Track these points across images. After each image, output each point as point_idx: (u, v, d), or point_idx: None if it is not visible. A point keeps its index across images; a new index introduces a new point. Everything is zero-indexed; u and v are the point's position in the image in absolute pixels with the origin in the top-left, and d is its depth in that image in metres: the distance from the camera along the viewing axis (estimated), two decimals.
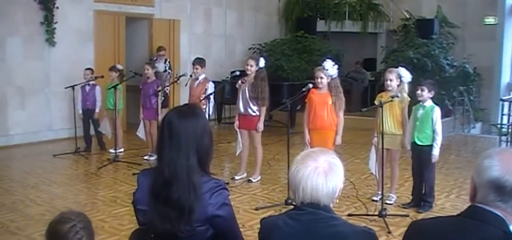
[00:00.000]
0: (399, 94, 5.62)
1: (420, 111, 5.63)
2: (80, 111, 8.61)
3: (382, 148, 5.53)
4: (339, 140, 6.01)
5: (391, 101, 5.52)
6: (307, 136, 6.07)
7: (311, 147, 5.53)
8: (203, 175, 2.09)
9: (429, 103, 5.62)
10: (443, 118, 11.56)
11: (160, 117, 7.38)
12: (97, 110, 8.58)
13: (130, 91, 10.46)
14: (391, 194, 6.05)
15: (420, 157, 5.68)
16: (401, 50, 12.08)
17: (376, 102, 5.77)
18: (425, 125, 5.59)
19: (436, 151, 5.56)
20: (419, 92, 5.60)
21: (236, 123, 6.87)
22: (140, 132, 8.08)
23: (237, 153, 6.94)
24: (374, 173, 5.81)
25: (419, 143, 5.64)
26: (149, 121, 8.04)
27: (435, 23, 12.68)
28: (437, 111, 5.58)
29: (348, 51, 14.24)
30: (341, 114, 6.01)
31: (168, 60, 10.98)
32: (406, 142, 5.76)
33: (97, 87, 8.60)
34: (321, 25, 14.45)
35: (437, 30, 12.63)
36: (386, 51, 13.14)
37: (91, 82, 8.53)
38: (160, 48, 10.89)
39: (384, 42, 14.52)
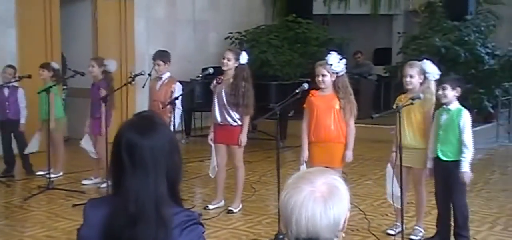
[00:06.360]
0: (422, 95, 5.67)
1: (444, 117, 5.65)
2: None
3: (401, 165, 5.56)
4: (350, 156, 6.04)
5: (411, 103, 5.56)
6: (305, 152, 6.07)
7: (312, 166, 5.56)
8: (172, 205, 2.12)
9: (455, 105, 5.65)
10: (482, 124, 11.73)
11: (103, 130, 7.35)
12: (22, 121, 8.50)
13: (70, 96, 10.41)
14: (417, 227, 6.06)
15: (446, 177, 5.66)
16: (424, 37, 12.12)
17: (394, 106, 5.83)
18: (450, 135, 5.59)
19: (465, 167, 5.50)
20: (440, 92, 5.61)
21: (211, 135, 6.90)
22: (86, 144, 7.92)
23: (212, 176, 6.98)
24: (392, 201, 5.76)
25: (443, 158, 5.62)
26: (95, 136, 8.01)
27: None
28: (465, 116, 5.58)
29: (355, 40, 14.35)
30: (352, 122, 6.03)
31: None
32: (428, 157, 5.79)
33: (20, 90, 8.51)
34: (319, 6, 14.51)
35: (473, 8, 12.54)
36: (404, 39, 13.20)
37: (11, 84, 8.45)
38: None
39: (401, 26, 14.60)
